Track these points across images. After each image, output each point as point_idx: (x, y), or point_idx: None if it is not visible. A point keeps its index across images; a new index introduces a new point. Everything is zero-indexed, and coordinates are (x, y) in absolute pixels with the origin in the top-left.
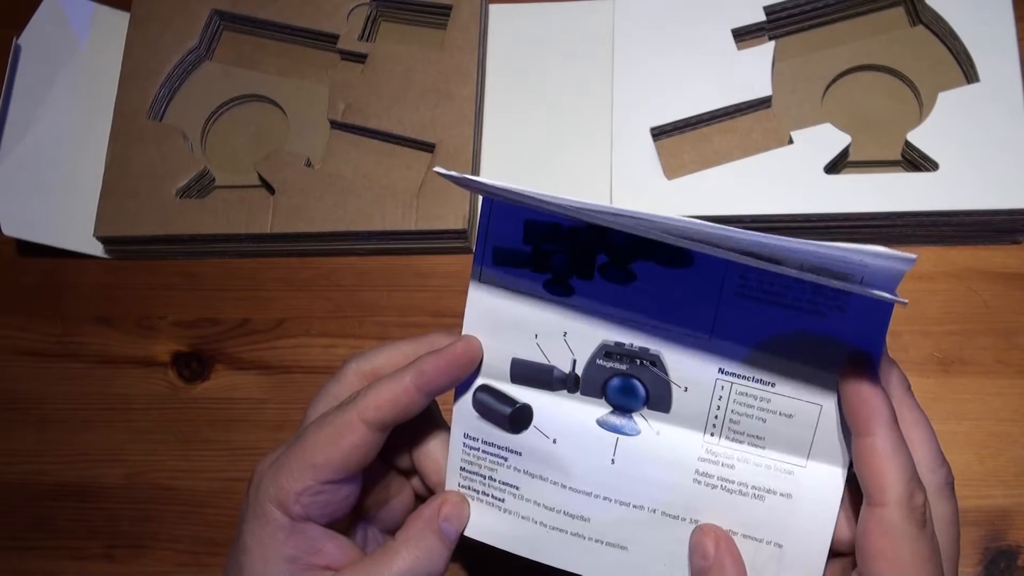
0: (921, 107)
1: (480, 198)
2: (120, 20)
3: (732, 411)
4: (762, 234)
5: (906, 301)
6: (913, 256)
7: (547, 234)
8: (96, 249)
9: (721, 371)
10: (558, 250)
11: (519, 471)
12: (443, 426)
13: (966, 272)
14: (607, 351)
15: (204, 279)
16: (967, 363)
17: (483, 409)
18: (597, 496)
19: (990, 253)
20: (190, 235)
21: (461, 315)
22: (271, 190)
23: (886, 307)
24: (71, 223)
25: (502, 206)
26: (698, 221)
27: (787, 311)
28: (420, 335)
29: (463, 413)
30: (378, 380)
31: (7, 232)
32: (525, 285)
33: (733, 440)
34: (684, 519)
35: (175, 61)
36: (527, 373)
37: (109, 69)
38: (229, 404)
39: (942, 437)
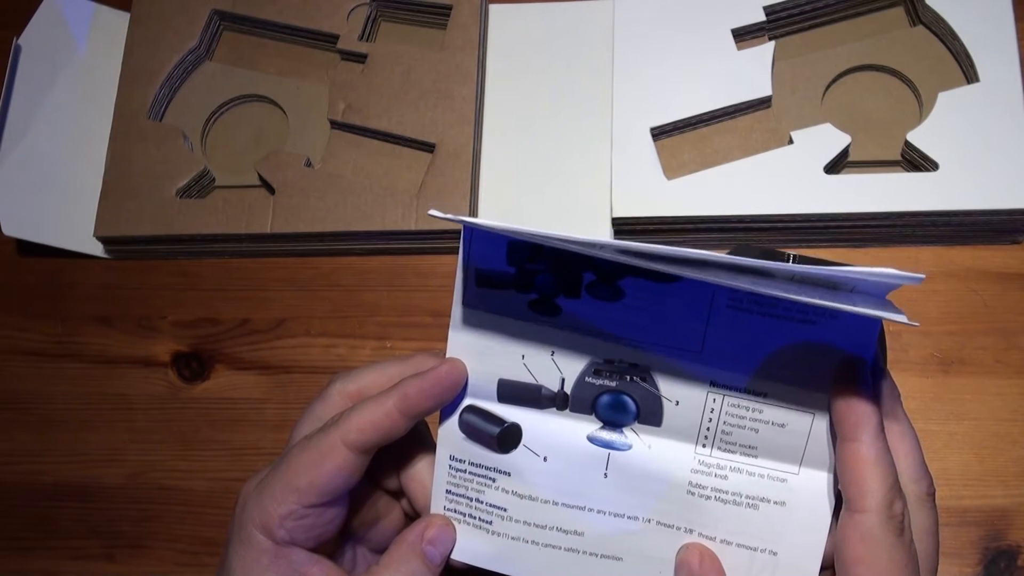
0: (921, 107)
1: (479, 199)
2: (120, 20)
3: (724, 423)
4: (759, 260)
5: (913, 322)
6: (921, 276)
7: (531, 254)
8: (96, 249)
9: (712, 384)
10: (543, 270)
11: (508, 492)
12: (432, 447)
13: (966, 272)
14: (596, 368)
15: (204, 279)
16: (967, 363)
17: (470, 430)
18: (591, 510)
19: (990, 253)
20: (190, 235)
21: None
22: (271, 190)
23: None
24: (71, 223)
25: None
26: (699, 252)
27: (778, 321)
28: (406, 356)
29: (449, 435)
30: (361, 402)
31: (7, 232)
32: (510, 307)
33: (725, 451)
34: (679, 528)
35: (175, 61)
36: (514, 392)
37: (109, 69)
38: (229, 404)
39: (942, 437)
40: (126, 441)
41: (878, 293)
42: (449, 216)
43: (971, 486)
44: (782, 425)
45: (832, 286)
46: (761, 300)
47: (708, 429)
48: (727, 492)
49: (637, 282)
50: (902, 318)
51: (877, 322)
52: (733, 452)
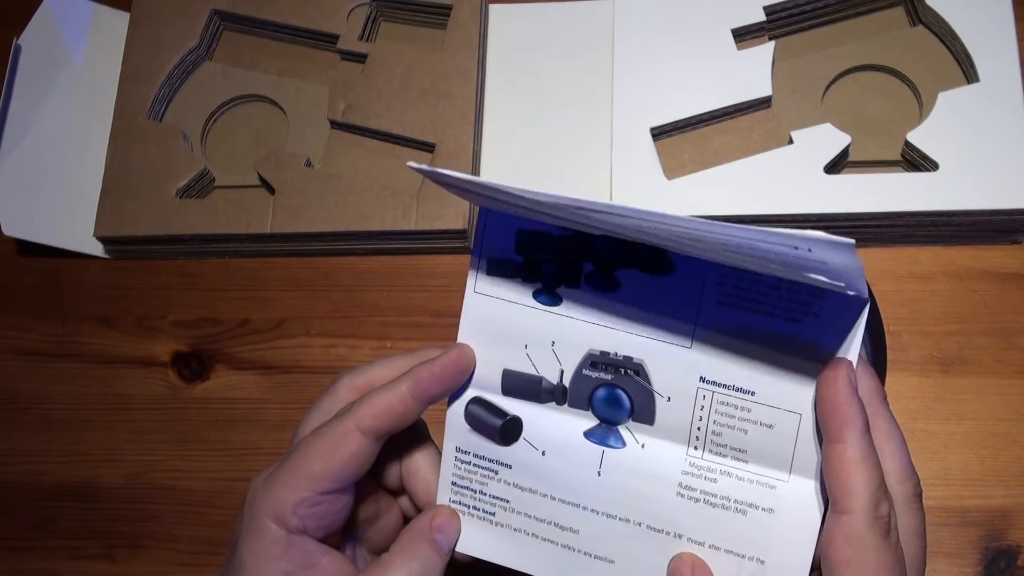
0: (921, 107)
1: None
2: (120, 20)
3: (714, 422)
4: (707, 220)
5: (867, 299)
6: (850, 241)
7: (537, 243)
8: (96, 249)
9: (702, 379)
10: (547, 259)
11: (509, 484)
12: (433, 445)
13: (966, 272)
14: (593, 360)
15: (204, 279)
16: (967, 363)
17: (475, 421)
18: (585, 508)
19: (990, 253)
20: (190, 235)
21: (460, 316)
22: (271, 190)
23: (858, 311)
24: (71, 223)
25: (496, 216)
26: (647, 210)
27: (765, 318)
28: (411, 350)
29: (455, 426)
30: (374, 390)
31: (7, 232)
32: (517, 295)
33: (716, 453)
34: (668, 533)
35: (175, 61)
36: (517, 385)
37: (109, 69)
38: (229, 404)
39: (942, 437)
40: (126, 441)
41: (852, 282)
42: (423, 167)
43: (971, 486)
44: (770, 425)
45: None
46: (747, 296)
47: (699, 429)
48: (716, 496)
49: (633, 273)
50: (855, 292)
51: (860, 323)
52: (724, 456)
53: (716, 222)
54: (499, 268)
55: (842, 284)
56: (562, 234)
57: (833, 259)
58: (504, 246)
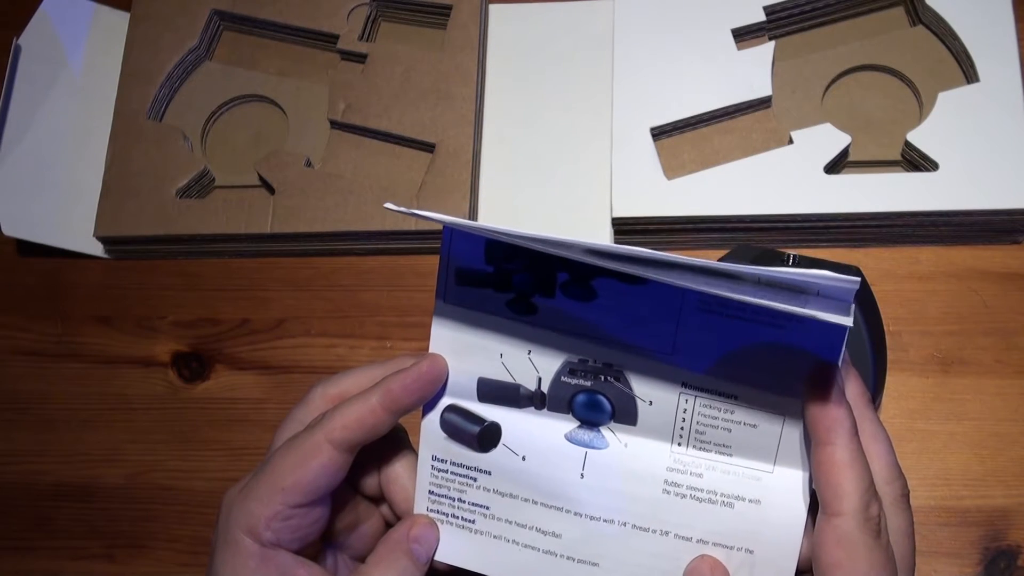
0: (921, 107)
1: (479, 199)
2: (120, 20)
3: (697, 423)
4: (713, 262)
5: (851, 325)
6: (856, 280)
7: (508, 253)
8: (96, 249)
9: (684, 385)
10: (519, 269)
11: (489, 491)
12: (411, 452)
13: (966, 272)
14: (571, 368)
15: (204, 279)
16: (967, 363)
17: (451, 429)
18: (568, 512)
19: (990, 253)
20: (190, 235)
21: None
22: (271, 190)
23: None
24: (71, 223)
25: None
26: (664, 254)
27: (747, 324)
28: (386, 359)
29: (430, 435)
30: (345, 401)
31: (7, 232)
32: (489, 305)
33: (700, 449)
34: (654, 531)
35: (175, 61)
36: (494, 391)
37: (109, 69)
38: (229, 404)
39: (942, 437)
40: (126, 441)
41: (842, 297)
42: (402, 209)
43: (971, 486)
44: (753, 426)
45: (799, 290)
46: (730, 303)
47: (682, 428)
48: (702, 490)
49: (609, 283)
50: (847, 320)
51: (844, 328)
52: (708, 451)
53: (713, 261)
54: (469, 278)
55: (836, 317)
56: None
57: (827, 283)
58: (473, 256)
